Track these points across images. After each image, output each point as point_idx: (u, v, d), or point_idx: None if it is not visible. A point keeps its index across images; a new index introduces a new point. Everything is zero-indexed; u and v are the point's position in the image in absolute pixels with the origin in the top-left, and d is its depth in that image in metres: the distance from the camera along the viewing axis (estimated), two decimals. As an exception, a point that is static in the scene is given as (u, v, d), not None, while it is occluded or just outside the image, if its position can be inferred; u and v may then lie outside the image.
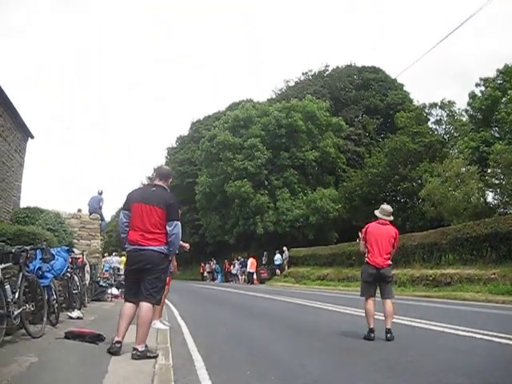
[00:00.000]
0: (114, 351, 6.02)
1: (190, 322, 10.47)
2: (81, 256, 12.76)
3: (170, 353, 6.39)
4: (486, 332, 8.18)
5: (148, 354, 5.92)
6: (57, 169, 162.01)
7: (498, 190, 29.01)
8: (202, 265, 50.11)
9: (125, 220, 6.31)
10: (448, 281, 19.46)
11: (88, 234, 18.76)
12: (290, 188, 42.75)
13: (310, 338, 8.39)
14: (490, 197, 30.41)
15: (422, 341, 8.11)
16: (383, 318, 8.18)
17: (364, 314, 8.15)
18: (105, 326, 8.31)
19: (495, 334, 7.97)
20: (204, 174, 47.80)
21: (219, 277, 45.18)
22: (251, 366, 5.95)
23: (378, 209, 8.66)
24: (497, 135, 32.31)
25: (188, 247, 9.41)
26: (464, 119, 38.59)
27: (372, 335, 7.80)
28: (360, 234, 8.60)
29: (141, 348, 5.91)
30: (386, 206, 8.64)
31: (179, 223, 6.20)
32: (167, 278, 8.99)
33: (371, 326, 7.87)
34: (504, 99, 30.84)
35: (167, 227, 6.08)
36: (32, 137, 21.07)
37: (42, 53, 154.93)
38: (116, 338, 6.15)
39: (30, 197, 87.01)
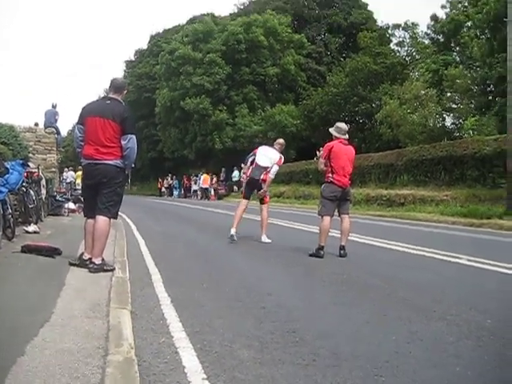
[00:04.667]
0: (83, 265, 6.07)
1: (146, 235, 10.53)
2: (36, 170, 12.52)
3: (127, 266, 6.46)
4: (434, 250, 8.50)
5: (105, 268, 5.95)
6: (11, 82, 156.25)
7: (454, 115, 29.34)
8: (160, 180, 50.05)
9: (79, 134, 6.16)
10: (402, 201, 19.96)
11: (44, 148, 18.30)
12: (249, 104, 42.67)
13: (266, 253, 8.54)
14: (447, 121, 30.79)
15: (374, 257, 8.40)
16: (336, 235, 8.40)
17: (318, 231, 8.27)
18: (62, 240, 8.31)
19: (443, 252, 8.30)
20: (164, 88, 47.12)
21: (176, 192, 45.39)
22: (207, 278, 6.06)
23: (332, 127, 8.64)
24: (458, 59, 32.36)
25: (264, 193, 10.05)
26: (426, 42, 38.45)
27: (322, 252, 7.87)
28: (318, 152, 8.62)
29: (98, 261, 5.94)
30: (342, 124, 8.61)
31: (134, 137, 6.06)
32: (241, 191, 9.71)
33: (323, 244, 7.92)
34: (468, 24, 30.68)
35: (122, 141, 5.94)
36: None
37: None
38: (86, 255, 6.18)
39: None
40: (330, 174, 8.17)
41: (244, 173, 10.53)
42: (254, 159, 9.89)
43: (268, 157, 9.85)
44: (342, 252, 7.99)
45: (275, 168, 9.83)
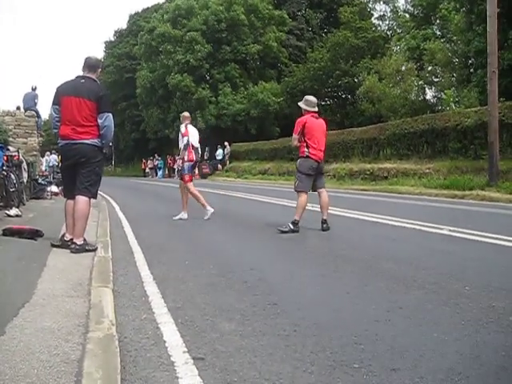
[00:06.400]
0: (65, 246, 6.05)
1: (129, 216, 10.52)
2: (16, 154, 12.40)
3: (110, 246, 6.43)
4: (416, 222, 8.57)
5: (87, 248, 5.93)
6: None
7: (436, 88, 29.34)
8: (144, 161, 49.82)
9: (55, 115, 6.11)
10: (385, 175, 20.11)
11: (24, 131, 18.07)
12: (231, 82, 42.48)
13: (249, 230, 8.60)
14: (428, 95, 30.82)
15: (356, 230, 8.47)
16: (316, 210, 8.42)
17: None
18: (44, 223, 8.29)
19: (425, 224, 8.36)
20: (144, 69, 46.72)
21: (160, 172, 45.35)
22: (190, 256, 6.08)
23: (301, 101, 8.63)
24: (438, 33, 32.21)
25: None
26: (408, 16, 38.31)
27: (297, 227, 7.81)
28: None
29: (79, 242, 5.92)
30: (311, 97, 8.61)
31: (111, 115, 6.03)
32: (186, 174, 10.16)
33: (298, 219, 7.85)
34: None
35: (98, 120, 5.90)
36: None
37: None
38: (67, 236, 6.16)
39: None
40: (306, 149, 8.14)
41: (181, 158, 10.46)
42: (188, 143, 10.06)
43: (196, 136, 10.29)
44: (324, 226, 8.00)
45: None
